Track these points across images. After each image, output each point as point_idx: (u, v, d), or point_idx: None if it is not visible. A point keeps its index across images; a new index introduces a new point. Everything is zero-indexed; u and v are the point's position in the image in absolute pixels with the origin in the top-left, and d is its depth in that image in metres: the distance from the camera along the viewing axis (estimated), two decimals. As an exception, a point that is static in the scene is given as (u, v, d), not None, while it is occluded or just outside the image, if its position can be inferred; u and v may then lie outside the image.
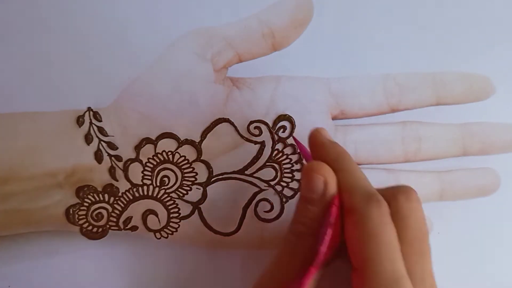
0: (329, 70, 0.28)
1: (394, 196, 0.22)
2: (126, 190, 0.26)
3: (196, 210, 0.27)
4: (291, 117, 0.27)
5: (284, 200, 0.28)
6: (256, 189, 0.27)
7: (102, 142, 0.26)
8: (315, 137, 0.24)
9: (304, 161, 0.28)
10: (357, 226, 0.21)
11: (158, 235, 0.27)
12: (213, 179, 0.27)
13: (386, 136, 0.29)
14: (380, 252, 0.20)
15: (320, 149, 0.24)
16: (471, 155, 0.29)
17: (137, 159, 0.26)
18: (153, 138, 0.26)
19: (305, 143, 0.25)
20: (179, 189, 0.27)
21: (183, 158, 0.27)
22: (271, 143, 0.27)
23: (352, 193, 0.21)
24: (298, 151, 0.27)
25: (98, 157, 0.26)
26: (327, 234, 0.21)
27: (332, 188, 0.22)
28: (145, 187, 0.27)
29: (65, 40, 0.27)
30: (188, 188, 0.27)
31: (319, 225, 0.22)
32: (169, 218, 0.27)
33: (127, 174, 0.26)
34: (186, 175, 0.27)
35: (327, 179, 0.22)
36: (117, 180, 0.26)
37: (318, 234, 0.21)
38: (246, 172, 0.27)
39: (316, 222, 0.22)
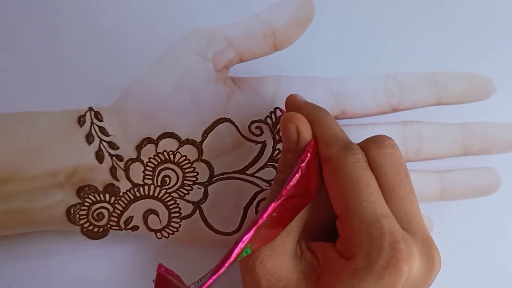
0: (330, 70, 0.28)
1: (367, 146, 0.23)
2: (127, 190, 0.26)
3: (197, 210, 0.27)
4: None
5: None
6: (257, 189, 0.27)
7: (103, 142, 0.26)
8: (291, 100, 0.26)
9: None
10: (334, 172, 0.22)
11: (159, 235, 0.27)
12: (214, 179, 0.27)
13: None
14: (358, 195, 0.21)
15: (295, 109, 0.25)
16: (472, 154, 0.30)
17: (138, 159, 0.26)
18: (154, 138, 0.26)
19: None
20: (180, 189, 0.27)
21: (184, 157, 0.27)
22: (272, 142, 0.27)
23: (328, 142, 0.23)
24: None
25: (99, 157, 0.26)
26: (293, 173, 0.22)
27: (305, 135, 0.23)
28: (146, 187, 0.27)
29: (66, 40, 0.27)
30: (189, 188, 0.27)
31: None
32: (170, 218, 0.27)
33: (128, 174, 0.26)
34: (187, 175, 0.27)
35: (298, 126, 0.23)
36: (118, 180, 0.26)
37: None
38: (247, 171, 0.27)
39: None
